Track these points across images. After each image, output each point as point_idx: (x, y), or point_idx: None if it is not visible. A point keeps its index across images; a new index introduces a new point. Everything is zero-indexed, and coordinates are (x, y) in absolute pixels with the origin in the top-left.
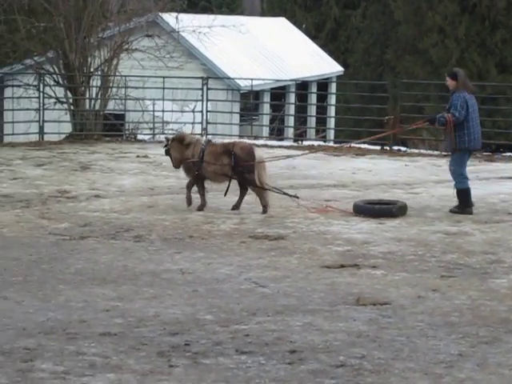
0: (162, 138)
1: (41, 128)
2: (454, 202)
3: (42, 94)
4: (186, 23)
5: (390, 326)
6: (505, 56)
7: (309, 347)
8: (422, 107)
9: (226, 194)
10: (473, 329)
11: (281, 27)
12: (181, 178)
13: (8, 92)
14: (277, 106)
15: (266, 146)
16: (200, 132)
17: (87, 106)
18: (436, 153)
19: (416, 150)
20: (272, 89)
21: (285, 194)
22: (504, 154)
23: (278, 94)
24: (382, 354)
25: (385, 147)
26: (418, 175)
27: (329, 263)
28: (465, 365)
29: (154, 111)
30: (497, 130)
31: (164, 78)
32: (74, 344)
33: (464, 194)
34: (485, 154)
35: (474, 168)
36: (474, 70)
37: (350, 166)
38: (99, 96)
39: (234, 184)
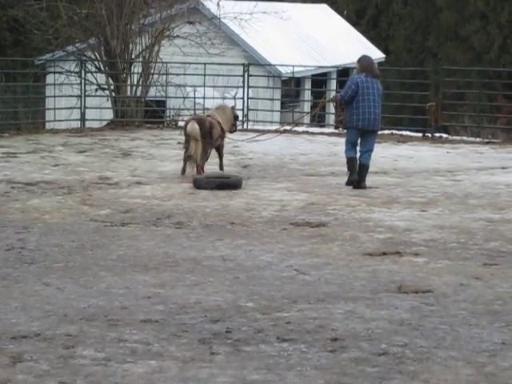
0: None
1: (82, 115)
2: (497, 189)
3: (83, 81)
4: (228, 10)
5: (432, 314)
6: None
7: (350, 335)
8: (464, 94)
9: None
10: None
11: (322, 14)
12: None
13: (50, 79)
14: (318, 93)
15: (307, 132)
16: (241, 118)
17: (128, 93)
18: (478, 140)
19: (458, 137)
20: (313, 75)
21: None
22: None
23: (319, 80)
24: (424, 343)
25: (426, 134)
26: (460, 162)
27: (370, 250)
28: (508, 353)
29: (194, 98)
30: None
31: (205, 64)
32: (116, 331)
33: (347, 162)
34: None
35: None
36: None
37: (391, 153)
38: (140, 82)
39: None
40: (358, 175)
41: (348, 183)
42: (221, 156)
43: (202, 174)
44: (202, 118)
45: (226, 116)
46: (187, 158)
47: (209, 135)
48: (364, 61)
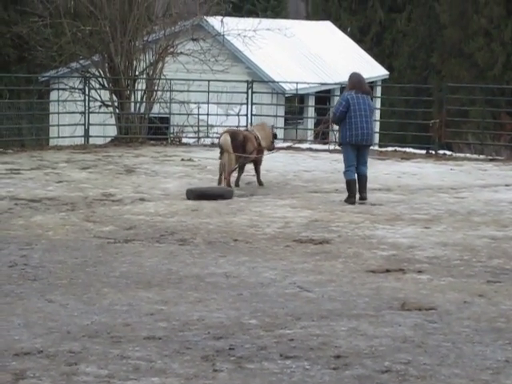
0: (207, 141)
1: (86, 131)
2: (501, 206)
3: (87, 98)
4: (231, 27)
5: (435, 331)
6: None
7: (354, 352)
8: (467, 111)
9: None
10: None
11: (326, 31)
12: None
13: (54, 95)
14: (321, 110)
15: (310, 149)
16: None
17: (132, 110)
18: (482, 157)
19: (461, 154)
20: (317, 92)
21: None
22: None
23: (323, 97)
24: (427, 360)
25: (430, 151)
26: (464, 179)
27: (374, 268)
28: None
29: (198, 114)
30: None
31: (209, 81)
32: (119, 348)
33: (347, 185)
34: None
35: None
36: None
37: (395, 170)
38: (144, 99)
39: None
40: (358, 187)
41: (348, 203)
42: (257, 171)
43: (222, 185)
44: (236, 132)
45: (265, 133)
46: (221, 169)
47: (241, 148)
48: (354, 78)
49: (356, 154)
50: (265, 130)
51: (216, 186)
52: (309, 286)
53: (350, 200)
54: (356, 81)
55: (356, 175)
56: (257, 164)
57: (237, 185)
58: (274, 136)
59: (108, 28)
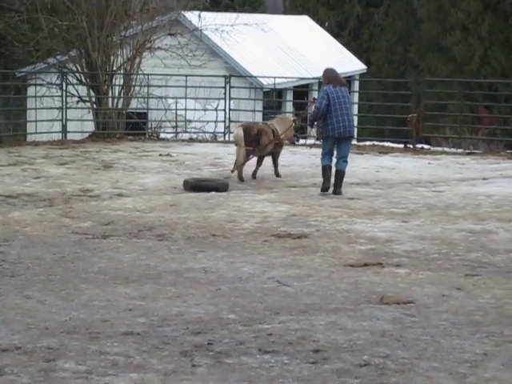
0: (185, 136)
1: (64, 127)
2: (478, 200)
3: (64, 93)
4: (209, 21)
5: (413, 324)
6: None
7: (332, 346)
8: (445, 105)
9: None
10: (497, 328)
11: (303, 25)
12: (203, 176)
13: (31, 91)
14: (300, 104)
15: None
16: (223, 130)
17: (110, 105)
18: (459, 151)
19: (439, 148)
20: (295, 87)
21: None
22: None
23: (301, 92)
24: (406, 354)
25: (408, 145)
26: (442, 173)
27: (352, 262)
28: (490, 364)
29: (176, 110)
30: None
31: (187, 76)
32: (97, 343)
33: (322, 171)
34: (509, 151)
35: (498, 166)
36: (497, 67)
37: (373, 164)
38: (122, 95)
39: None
40: (334, 181)
41: (322, 190)
42: (275, 164)
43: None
44: (250, 125)
45: (284, 126)
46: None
47: (256, 141)
48: (328, 73)
49: (336, 145)
50: (284, 123)
51: (212, 178)
52: (287, 280)
53: (324, 186)
54: (331, 75)
55: (334, 169)
56: (274, 156)
57: (253, 177)
58: (297, 128)
59: (85, 23)
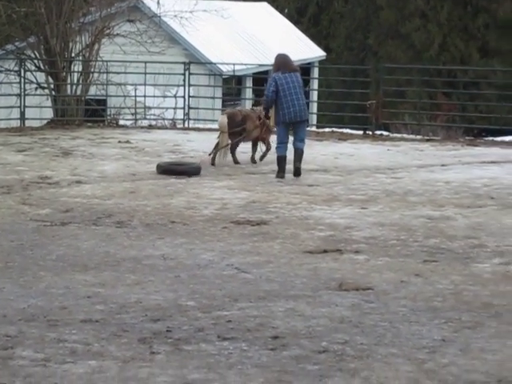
0: (144, 123)
1: (22, 114)
2: (437, 186)
3: (23, 80)
4: (168, 8)
5: (372, 311)
6: (487, 41)
7: (291, 333)
8: (404, 91)
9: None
10: (455, 314)
11: (263, 12)
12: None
13: None
14: (259, 91)
15: None
16: (182, 117)
17: (69, 92)
18: (418, 137)
19: (398, 135)
20: (254, 73)
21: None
22: (486, 139)
23: (261, 78)
24: (364, 340)
25: (367, 132)
26: (401, 160)
27: (311, 248)
28: (448, 350)
29: (135, 96)
30: (479, 115)
31: (146, 63)
32: (55, 331)
33: (277, 161)
34: (467, 138)
35: (457, 152)
36: (456, 54)
37: (332, 151)
38: (81, 81)
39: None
40: (294, 158)
41: (276, 177)
42: (255, 149)
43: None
44: (235, 112)
45: (273, 111)
46: (216, 147)
47: (241, 127)
48: (278, 59)
49: (289, 131)
50: (273, 109)
51: (185, 162)
52: (246, 267)
53: (279, 175)
54: (281, 61)
55: (293, 149)
56: (256, 142)
57: (253, 161)
58: None
59: (43, 10)
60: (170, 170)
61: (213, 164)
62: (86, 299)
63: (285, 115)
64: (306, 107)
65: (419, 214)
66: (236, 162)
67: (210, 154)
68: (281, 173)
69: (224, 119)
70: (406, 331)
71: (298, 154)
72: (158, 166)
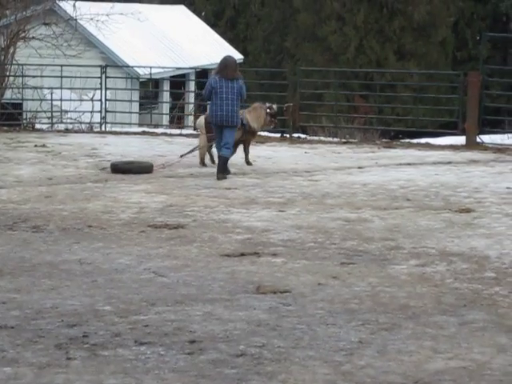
0: (61, 127)
1: None
2: (354, 188)
3: None
4: (84, 11)
5: (290, 314)
6: (403, 43)
7: (208, 337)
8: (322, 94)
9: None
10: (372, 315)
11: (180, 15)
12: (79, 167)
13: None
14: (177, 94)
15: (165, 134)
16: (99, 121)
17: None
18: (335, 140)
19: (316, 137)
20: (171, 77)
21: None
22: (403, 141)
23: (178, 82)
24: (282, 343)
25: (285, 135)
26: (318, 162)
27: (229, 252)
28: (365, 352)
29: (52, 100)
30: (396, 117)
31: (62, 66)
32: None
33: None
34: (384, 140)
35: (374, 155)
36: (372, 57)
37: (249, 154)
38: None
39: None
40: (217, 166)
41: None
42: (246, 151)
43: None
44: None
45: (256, 113)
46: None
47: None
48: (220, 63)
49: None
50: (256, 111)
51: (137, 161)
52: (164, 271)
53: (217, 176)
54: (222, 67)
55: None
56: (245, 144)
57: (248, 163)
58: (270, 115)
59: None
60: (124, 168)
61: (203, 164)
62: (0, 305)
63: (213, 117)
64: (236, 114)
65: (336, 216)
66: (202, 163)
67: (181, 156)
68: (220, 174)
69: (202, 120)
70: (323, 334)
71: (220, 162)
72: (112, 165)
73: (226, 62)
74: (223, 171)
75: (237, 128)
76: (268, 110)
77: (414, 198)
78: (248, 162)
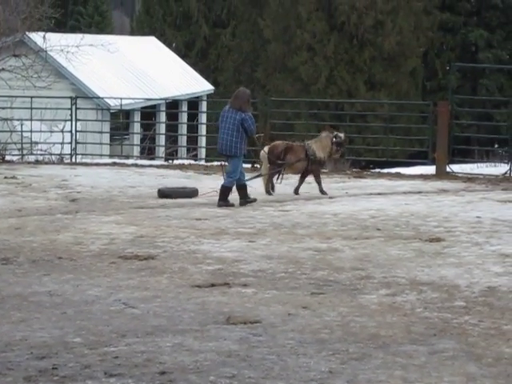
0: (31, 158)
1: None
2: (324, 218)
3: None
4: (54, 42)
5: (260, 344)
6: (373, 73)
7: (179, 368)
8: (293, 125)
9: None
10: (343, 345)
11: (151, 46)
12: (50, 198)
13: None
14: (147, 125)
15: (136, 165)
16: (70, 152)
17: None
18: None
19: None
20: (142, 108)
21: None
22: (373, 171)
23: (149, 113)
24: (252, 373)
25: (256, 165)
26: (289, 192)
27: (199, 282)
28: (335, 382)
29: (22, 131)
30: (366, 147)
31: (32, 97)
32: None
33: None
34: (354, 170)
35: (344, 185)
36: (343, 87)
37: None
38: None
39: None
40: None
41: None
42: (317, 181)
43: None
44: (276, 145)
45: (321, 144)
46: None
47: (280, 159)
48: (234, 94)
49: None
50: (322, 141)
51: (183, 187)
52: (134, 302)
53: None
54: (233, 97)
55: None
56: (314, 174)
57: (295, 193)
58: (336, 144)
59: None
60: (171, 193)
61: (269, 193)
62: None
63: (218, 146)
64: (235, 144)
65: (307, 246)
66: (267, 191)
67: (215, 191)
68: (220, 201)
69: (263, 152)
70: (293, 364)
71: (220, 191)
72: (159, 191)
73: (237, 92)
74: (224, 199)
75: (240, 158)
76: (334, 139)
77: (384, 228)
78: (322, 191)
